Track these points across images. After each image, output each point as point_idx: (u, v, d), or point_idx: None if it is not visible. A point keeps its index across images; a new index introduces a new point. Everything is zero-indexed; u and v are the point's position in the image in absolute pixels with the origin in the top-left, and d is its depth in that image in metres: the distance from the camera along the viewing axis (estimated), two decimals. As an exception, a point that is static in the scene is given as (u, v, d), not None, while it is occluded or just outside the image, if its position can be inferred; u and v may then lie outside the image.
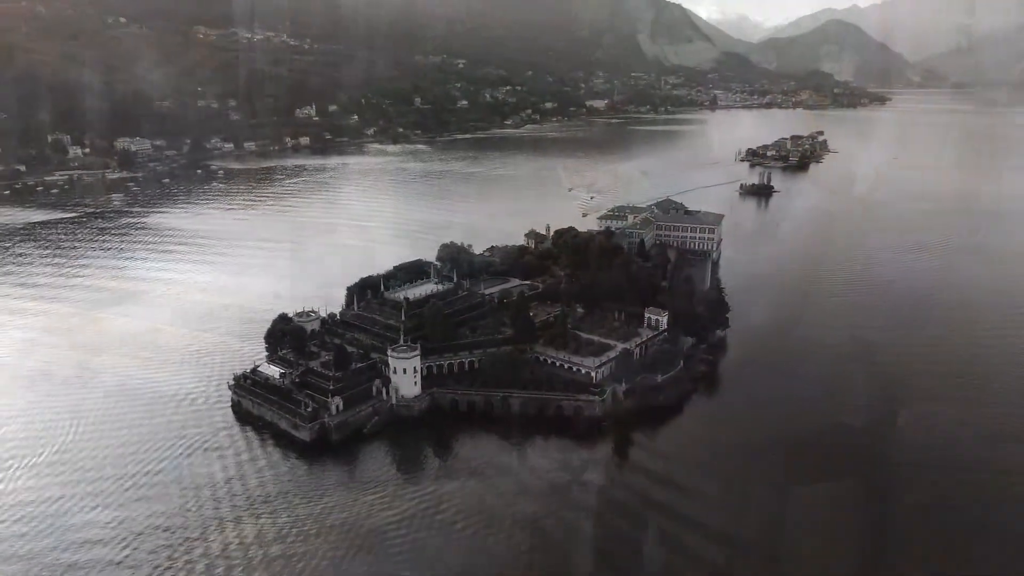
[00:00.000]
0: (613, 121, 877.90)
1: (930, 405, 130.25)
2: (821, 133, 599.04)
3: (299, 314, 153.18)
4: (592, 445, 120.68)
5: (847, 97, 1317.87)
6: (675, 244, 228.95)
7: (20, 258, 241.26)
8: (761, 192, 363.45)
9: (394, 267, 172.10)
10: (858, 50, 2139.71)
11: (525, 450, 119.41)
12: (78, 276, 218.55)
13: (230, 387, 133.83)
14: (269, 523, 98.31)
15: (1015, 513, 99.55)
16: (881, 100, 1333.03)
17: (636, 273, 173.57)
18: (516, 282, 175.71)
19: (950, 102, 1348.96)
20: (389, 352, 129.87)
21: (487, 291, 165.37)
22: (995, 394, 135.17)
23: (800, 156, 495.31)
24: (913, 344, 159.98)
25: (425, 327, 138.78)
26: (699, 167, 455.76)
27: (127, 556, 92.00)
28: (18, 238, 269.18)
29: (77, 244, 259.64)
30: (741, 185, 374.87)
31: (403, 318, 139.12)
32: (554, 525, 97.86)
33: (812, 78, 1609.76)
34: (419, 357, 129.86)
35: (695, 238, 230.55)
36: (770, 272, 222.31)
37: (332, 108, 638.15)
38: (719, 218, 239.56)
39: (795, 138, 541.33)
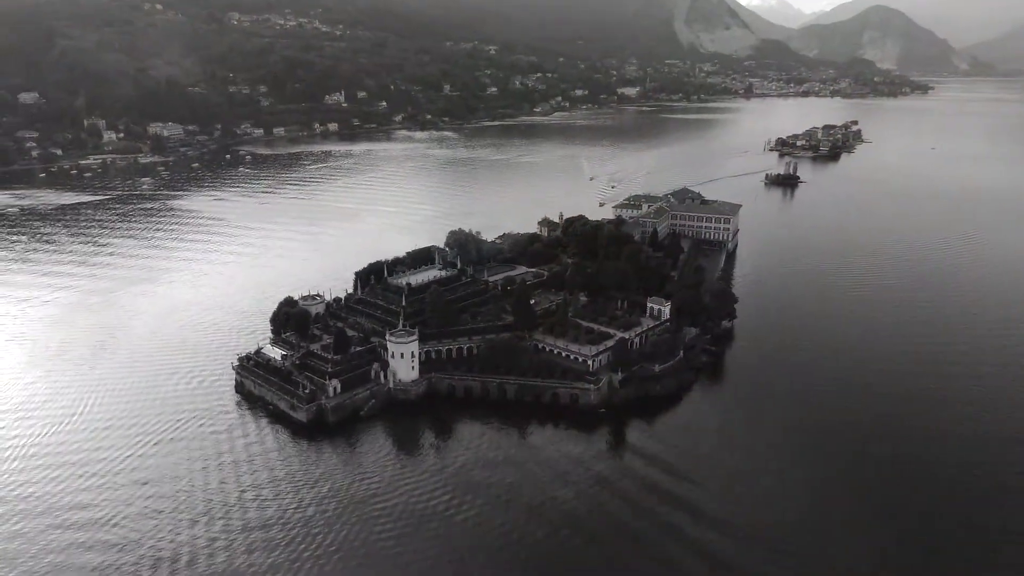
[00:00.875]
0: (644, 109, 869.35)
1: (940, 403, 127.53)
2: (855, 122, 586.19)
3: (304, 297, 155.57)
4: (587, 432, 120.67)
5: (887, 86, 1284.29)
6: (690, 234, 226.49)
7: (48, 238, 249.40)
8: (786, 182, 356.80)
9: (406, 253, 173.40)
10: (903, 37, 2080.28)
11: (520, 436, 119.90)
12: (102, 257, 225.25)
13: (234, 367, 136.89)
14: (269, 504, 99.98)
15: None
16: (923, 89, 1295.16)
17: (645, 262, 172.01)
18: (522, 269, 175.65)
19: (996, 91, 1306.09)
20: (387, 336, 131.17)
21: (491, 278, 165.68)
22: (1004, 393, 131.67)
23: (831, 146, 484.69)
24: (927, 343, 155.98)
25: (426, 312, 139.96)
26: (727, 156, 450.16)
27: (126, 537, 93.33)
28: (49, 219, 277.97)
29: (104, 226, 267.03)
30: (767, 175, 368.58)
31: (403, 303, 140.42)
32: (549, 510, 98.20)
33: (853, 66, 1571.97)
34: (417, 342, 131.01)
35: (710, 228, 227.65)
36: (786, 263, 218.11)
37: (361, 95, 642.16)
38: (735, 208, 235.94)
39: (827, 128, 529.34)
